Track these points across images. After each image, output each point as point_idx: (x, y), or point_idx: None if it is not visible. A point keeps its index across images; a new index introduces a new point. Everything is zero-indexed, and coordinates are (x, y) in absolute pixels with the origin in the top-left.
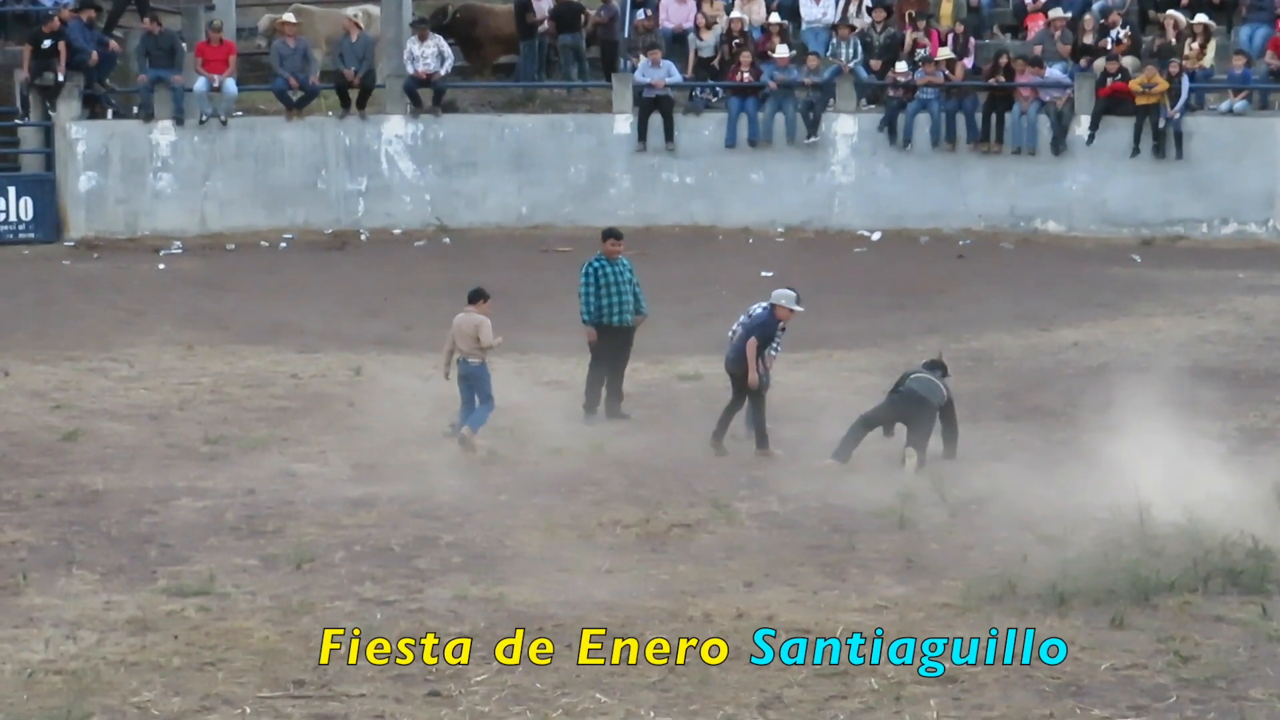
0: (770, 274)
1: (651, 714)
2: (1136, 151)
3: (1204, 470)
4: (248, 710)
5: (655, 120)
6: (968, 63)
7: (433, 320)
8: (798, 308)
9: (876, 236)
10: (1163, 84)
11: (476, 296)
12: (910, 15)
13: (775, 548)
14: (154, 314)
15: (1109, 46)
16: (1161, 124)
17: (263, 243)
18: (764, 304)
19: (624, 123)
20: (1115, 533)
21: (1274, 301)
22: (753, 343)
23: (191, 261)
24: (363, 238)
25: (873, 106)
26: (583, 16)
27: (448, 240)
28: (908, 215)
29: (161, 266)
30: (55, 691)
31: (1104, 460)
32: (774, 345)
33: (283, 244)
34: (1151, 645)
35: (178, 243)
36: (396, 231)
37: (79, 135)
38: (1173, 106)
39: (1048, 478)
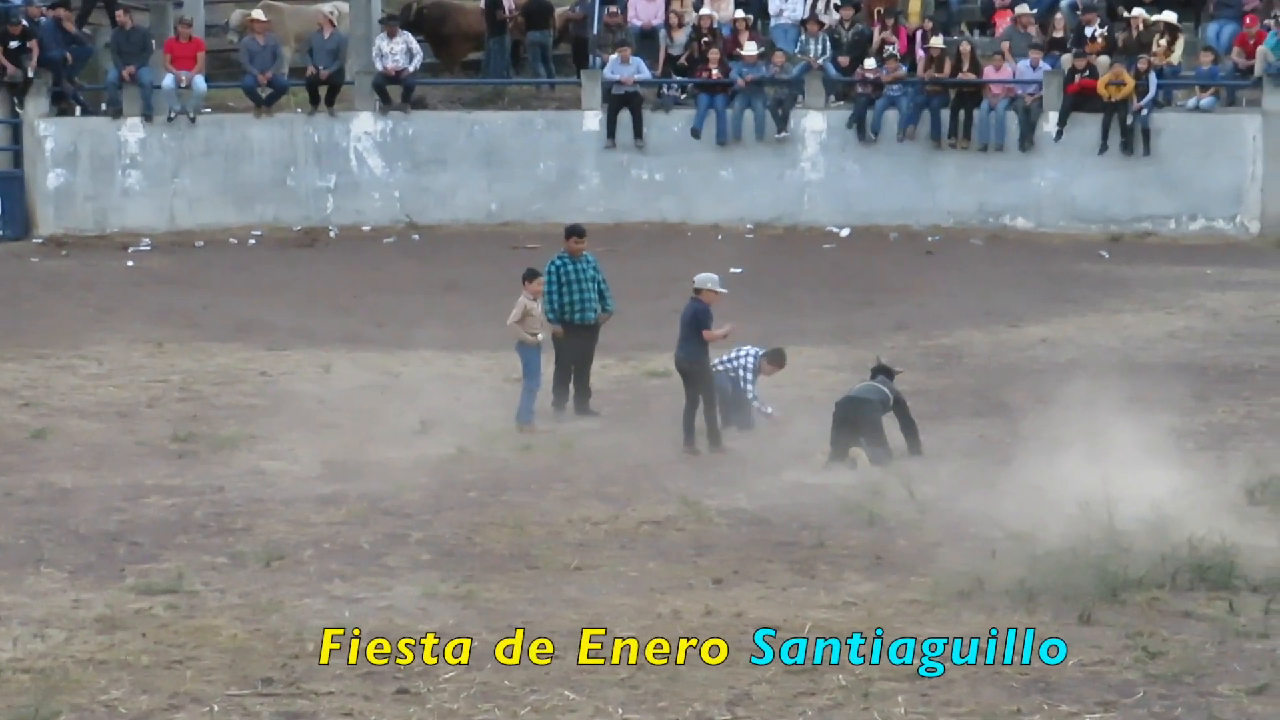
0: (739, 270)
1: (620, 711)
2: (1105, 148)
3: (1172, 466)
4: (216, 708)
5: (624, 117)
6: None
7: (402, 317)
8: (722, 290)
9: (845, 233)
10: (1130, 81)
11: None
12: (879, 12)
13: (744, 545)
14: (123, 311)
15: (1084, 43)
16: (1129, 120)
17: (232, 240)
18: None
19: (593, 119)
20: (1083, 529)
21: (1242, 297)
22: (708, 334)
23: (161, 259)
24: (332, 235)
25: (841, 103)
26: (553, 14)
27: (417, 237)
28: (877, 212)
29: (130, 264)
30: (23, 690)
31: (1072, 456)
32: (752, 390)
33: (252, 241)
34: (1119, 641)
35: (147, 240)
36: (366, 228)
37: (47, 132)
38: (1140, 103)
39: (1016, 474)
